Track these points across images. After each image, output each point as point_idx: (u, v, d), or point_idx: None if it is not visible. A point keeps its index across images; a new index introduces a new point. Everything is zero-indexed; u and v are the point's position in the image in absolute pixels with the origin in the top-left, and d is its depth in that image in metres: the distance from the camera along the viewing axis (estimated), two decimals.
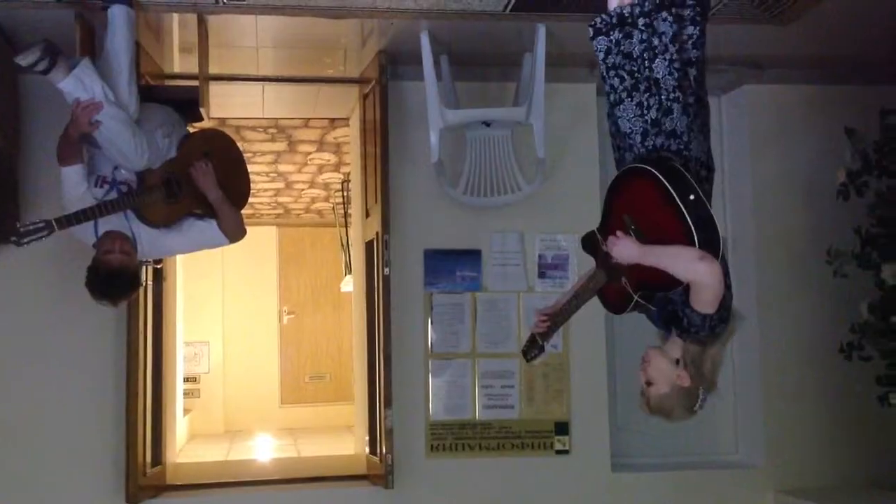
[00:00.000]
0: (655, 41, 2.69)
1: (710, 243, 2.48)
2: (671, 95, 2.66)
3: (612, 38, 2.78)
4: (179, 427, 8.27)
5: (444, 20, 4.38)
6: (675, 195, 2.49)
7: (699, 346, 2.64)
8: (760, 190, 5.37)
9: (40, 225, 3.53)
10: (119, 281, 3.75)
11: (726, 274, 2.60)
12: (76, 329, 4.69)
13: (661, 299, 2.69)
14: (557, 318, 3.08)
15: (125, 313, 4.51)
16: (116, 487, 4.59)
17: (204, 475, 5.57)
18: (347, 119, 6.39)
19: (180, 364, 8.12)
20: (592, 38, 2.82)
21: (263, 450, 9.63)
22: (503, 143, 4.93)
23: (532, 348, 3.15)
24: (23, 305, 4.69)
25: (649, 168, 2.58)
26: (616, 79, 2.77)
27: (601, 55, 2.81)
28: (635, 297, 2.71)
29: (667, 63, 2.67)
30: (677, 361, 2.65)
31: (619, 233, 2.66)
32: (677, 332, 2.68)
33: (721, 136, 5.50)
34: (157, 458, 4.95)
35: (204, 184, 4.01)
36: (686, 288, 2.52)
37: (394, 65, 4.88)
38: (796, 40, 4.75)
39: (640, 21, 2.71)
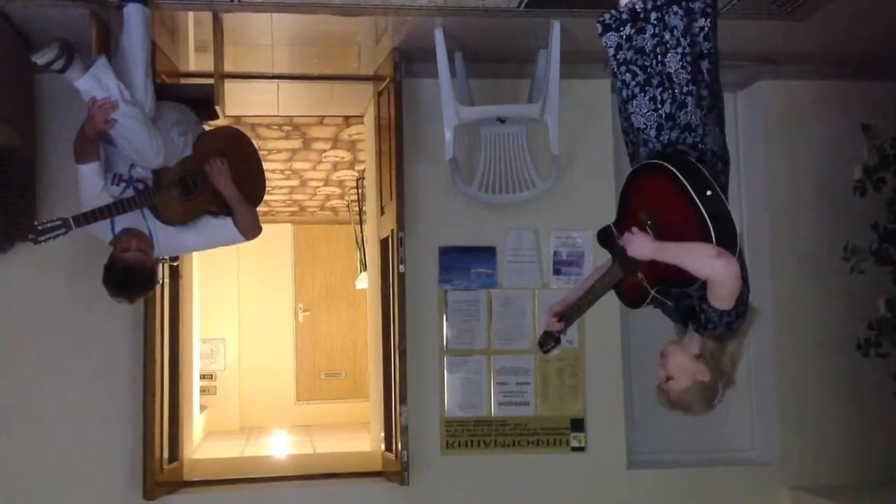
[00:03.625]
0: (667, 36, 2.67)
1: (727, 238, 2.45)
2: (685, 89, 2.65)
3: (622, 33, 2.76)
4: (196, 424, 8.30)
5: (459, 17, 4.39)
6: (690, 190, 2.47)
7: (717, 341, 2.64)
8: (776, 186, 5.34)
9: (57, 223, 3.54)
10: (136, 278, 3.76)
11: (743, 268, 2.58)
12: (93, 326, 4.71)
13: (679, 295, 2.68)
14: (572, 313, 3.05)
15: (142, 310, 4.53)
16: (133, 484, 4.61)
17: (220, 471, 5.61)
18: (362, 116, 6.40)
19: (196, 361, 8.14)
20: (602, 35, 2.81)
21: (279, 446, 9.67)
22: (518, 140, 4.92)
23: (548, 340, 3.12)
24: (40, 303, 4.72)
25: (665, 163, 2.56)
26: (628, 74, 2.76)
27: (611, 51, 2.80)
28: (652, 293, 2.71)
29: (679, 57, 2.65)
30: (697, 356, 2.65)
31: (634, 229, 2.64)
32: (694, 327, 2.67)
33: (736, 132, 5.47)
34: (174, 454, 4.98)
35: (219, 181, 4.01)
36: (703, 284, 2.50)
37: (408, 62, 4.88)
38: (812, 36, 4.73)
39: (653, 16, 2.69)
